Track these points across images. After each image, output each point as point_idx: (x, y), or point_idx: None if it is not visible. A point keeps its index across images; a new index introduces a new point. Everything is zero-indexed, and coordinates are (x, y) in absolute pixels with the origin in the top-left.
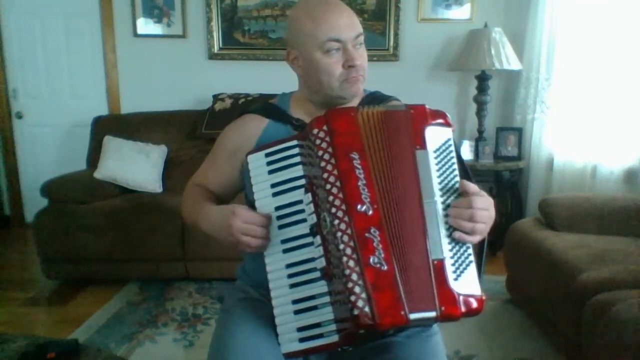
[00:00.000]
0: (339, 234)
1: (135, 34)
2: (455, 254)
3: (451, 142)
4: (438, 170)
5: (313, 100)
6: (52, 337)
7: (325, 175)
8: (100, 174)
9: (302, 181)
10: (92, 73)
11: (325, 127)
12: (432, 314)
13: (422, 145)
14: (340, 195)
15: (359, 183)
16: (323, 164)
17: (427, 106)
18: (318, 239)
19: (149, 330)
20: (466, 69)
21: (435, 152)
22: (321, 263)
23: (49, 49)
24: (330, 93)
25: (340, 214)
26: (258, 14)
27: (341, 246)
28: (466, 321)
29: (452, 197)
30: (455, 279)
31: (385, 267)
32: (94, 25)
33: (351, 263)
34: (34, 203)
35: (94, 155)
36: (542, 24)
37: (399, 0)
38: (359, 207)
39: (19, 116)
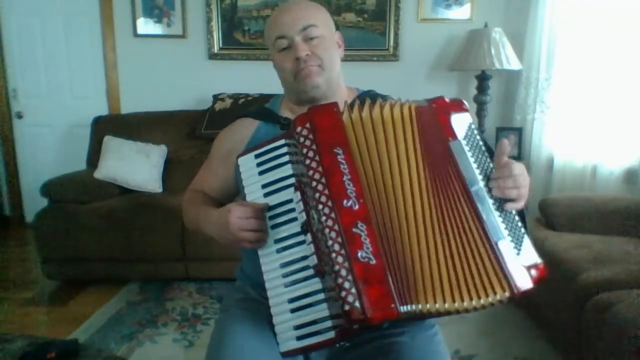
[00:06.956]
0: (327, 230)
1: (135, 34)
2: (510, 230)
3: (473, 125)
4: (472, 157)
5: (291, 99)
6: (52, 337)
7: (311, 172)
8: (100, 174)
9: (292, 180)
10: (92, 73)
11: (308, 125)
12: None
13: (454, 136)
14: (326, 191)
15: (344, 178)
16: (308, 161)
17: (445, 97)
18: (309, 237)
19: (149, 330)
20: (466, 69)
21: (464, 139)
22: (313, 260)
23: (49, 49)
24: (292, 89)
25: (326, 210)
26: (258, 14)
27: (329, 242)
28: (466, 321)
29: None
30: (518, 254)
31: (374, 262)
32: (94, 25)
33: (340, 259)
34: (34, 203)
35: (94, 155)
36: (542, 24)
37: (399, 0)
38: (344, 202)
39: (19, 116)
